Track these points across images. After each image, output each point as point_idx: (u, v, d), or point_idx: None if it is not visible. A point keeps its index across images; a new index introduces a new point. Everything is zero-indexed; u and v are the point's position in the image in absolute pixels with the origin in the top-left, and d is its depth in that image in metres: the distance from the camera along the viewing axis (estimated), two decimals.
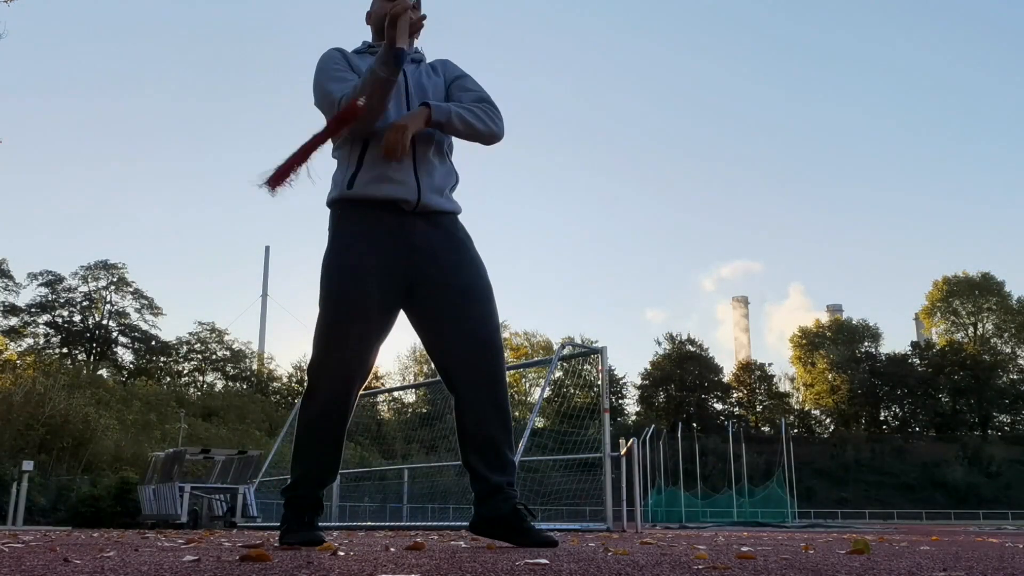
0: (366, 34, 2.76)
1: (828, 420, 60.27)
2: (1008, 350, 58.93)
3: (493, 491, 2.45)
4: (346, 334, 2.42)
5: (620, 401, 55.18)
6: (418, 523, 9.78)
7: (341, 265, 2.45)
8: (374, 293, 2.43)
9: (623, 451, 8.09)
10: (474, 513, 2.52)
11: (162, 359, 47.89)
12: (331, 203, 2.55)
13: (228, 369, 48.68)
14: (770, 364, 61.76)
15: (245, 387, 46.64)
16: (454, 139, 2.65)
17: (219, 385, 47.80)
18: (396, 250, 2.47)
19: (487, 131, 2.54)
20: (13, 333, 40.88)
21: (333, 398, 2.46)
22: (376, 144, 2.46)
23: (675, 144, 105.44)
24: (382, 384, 43.18)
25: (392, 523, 9.87)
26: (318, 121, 2.58)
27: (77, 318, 45.36)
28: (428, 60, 2.76)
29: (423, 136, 2.50)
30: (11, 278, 43.82)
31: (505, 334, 59.06)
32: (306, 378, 2.51)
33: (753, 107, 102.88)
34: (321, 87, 2.53)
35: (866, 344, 59.25)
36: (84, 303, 45.31)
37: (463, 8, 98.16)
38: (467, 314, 2.47)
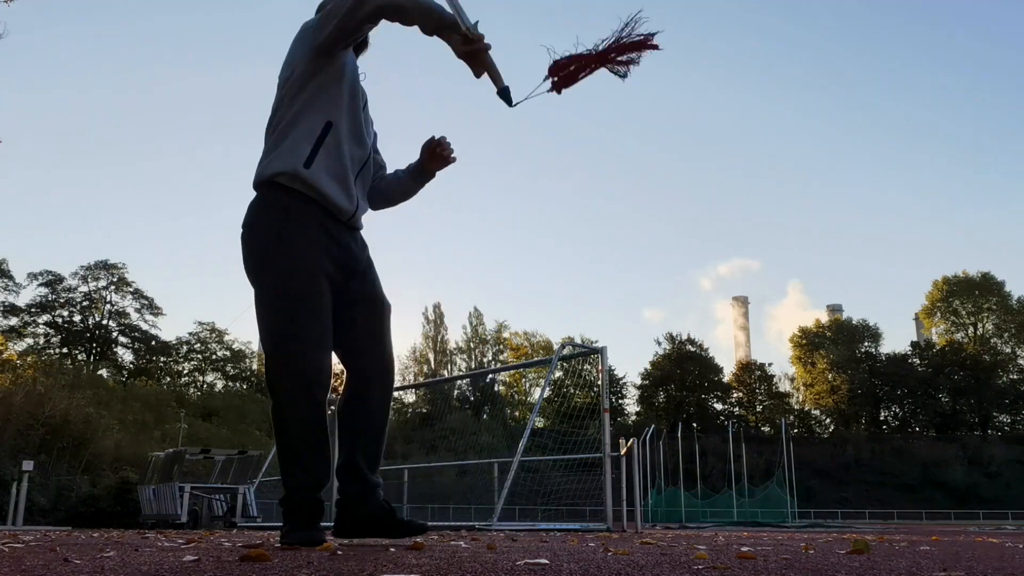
0: None
1: (828, 420, 60.21)
2: (1008, 350, 58.84)
3: (370, 491, 2.57)
4: (321, 333, 2.46)
5: (620, 401, 55.13)
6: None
7: (303, 267, 2.44)
8: (327, 293, 2.50)
9: (623, 451, 8.09)
10: (343, 516, 2.58)
11: (162, 359, 47.88)
12: (275, 183, 2.46)
13: (228, 369, 48.68)
14: (770, 364, 61.67)
15: (245, 387, 46.62)
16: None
17: (219, 385, 47.82)
18: (337, 255, 2.54)
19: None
20: (13, 333, 40.88)
21: (320, 399, 2.47)
22: (338, 132, 2.49)
23: (673, 143, 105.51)
24: None
25: None
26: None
27: (77, 318, 45.36)
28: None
29: (360, 159, 2.60)
30: (11, 278, 43.82)
31: (505, 334, 59.41)
32: (279, 389, 2.43)
33: (752, 106, 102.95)
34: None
35: (866, 344, 59.16)
36: (84, 303, 45.32)
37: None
38: (383, 328, 2.67)
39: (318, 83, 2.50)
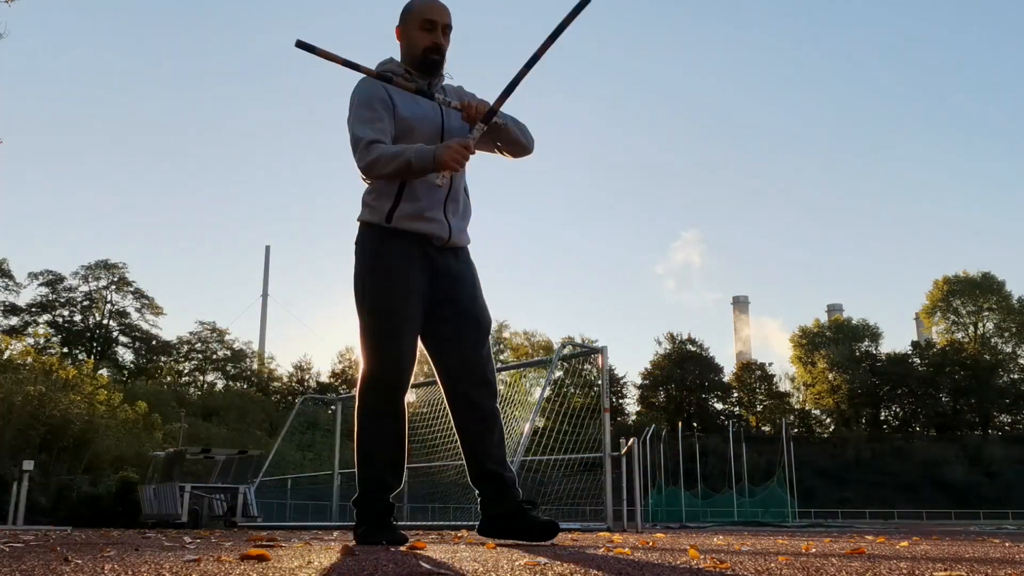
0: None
1: (828, 420, 60.18)
2: (1009, 350, 58.81)
3: (504, 489, 2.72)
4: (407, 348, 2.68)
5: (620, 401, 55.09)
6: (418, 523, 9.77)
7: (394, 290, 2.67)
8: (419, 314, 2.71)
9: (623, 451, 8.10)
10: (484, 516, 2.75)
11: (162, 359, 47.90)
12: (370, 225, 2.72)
13: (228, 369, 48.71)
14: (770, 364, 61.63)
15: (245, 387, 46.65)
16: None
17: (219, 385, 47.84)
18: (429, 279, 2.73)
19: (527, 143, 2.83)
20: (14, 333, 40.90)
21: (399, 404, 2.70)
22: (413, 182, 2.65)
23: (672, 143, 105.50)
24: None
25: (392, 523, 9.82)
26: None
27: (78, 318, 45.41)
28: (449, 83, 2.84)
29: (443, 190, 2.71)
30: (11, 278, 43.89)
31: (505, 334, 59.28)
32: (365, 389, 2.68)
33: (752, 105, 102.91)
34: (355, 123, 2.65)
35: (866, 344, 59.15)
36: (84, 303, 45.35)
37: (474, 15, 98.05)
38: (479, 343, 2.77)
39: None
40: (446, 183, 2.58)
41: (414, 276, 2.68)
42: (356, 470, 2.70)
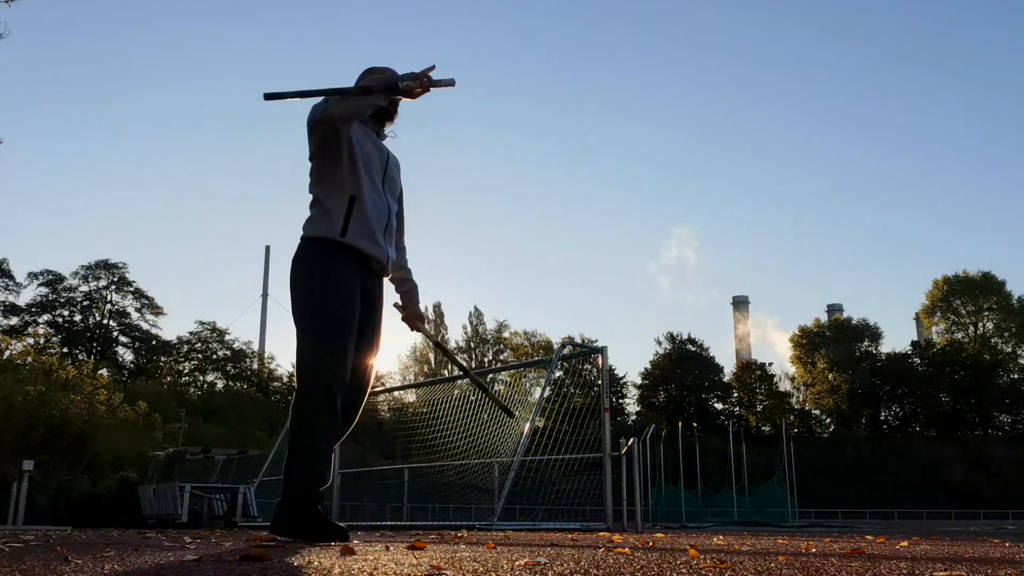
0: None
1: (828, 420, 60.15)
2: (1009, 349, 58.78)
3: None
4: (350, 352, 2.96)
5: (620, 401, 55.06)
6: (418, 523, 9.77)
7: (343, 299, 2.95)
8: (357, 319, 3.02)
9: (623, 451, 8.10)
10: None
11: (162, 359, 47.86)
12: (321, 240, 2.99)
13: (229, 369, 48.64)
14: (770, 364, 61.56)
15: (245, 387, 46.61)
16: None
17: (219, 385, 47.78)
18: (363, 296, 3.06)
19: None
20: (14, 333, 40.89)
21: (339, 402, 2.92)
22: (362, 203, 2.98)
23: (671, 142, 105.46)
24: (382, 384, 43.18)
25: (392, 523, 9.86)
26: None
27: (77, 318, 45.36)
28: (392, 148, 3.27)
29: (384, 218, 3.11)
30: (11, 278, 43.85)
31: (505, 334, 59.33)
32: (312, 389, 2.88)
33: (751, 104, 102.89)
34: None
35: (866, 344, 59.11)
36: (84, 303, 45.31)
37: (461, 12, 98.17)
38: (367, 363, 3.14)
39: (336, 164, 2.99)
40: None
41: (357, 290, 3.01)
42: (293, 462, 2.84)
